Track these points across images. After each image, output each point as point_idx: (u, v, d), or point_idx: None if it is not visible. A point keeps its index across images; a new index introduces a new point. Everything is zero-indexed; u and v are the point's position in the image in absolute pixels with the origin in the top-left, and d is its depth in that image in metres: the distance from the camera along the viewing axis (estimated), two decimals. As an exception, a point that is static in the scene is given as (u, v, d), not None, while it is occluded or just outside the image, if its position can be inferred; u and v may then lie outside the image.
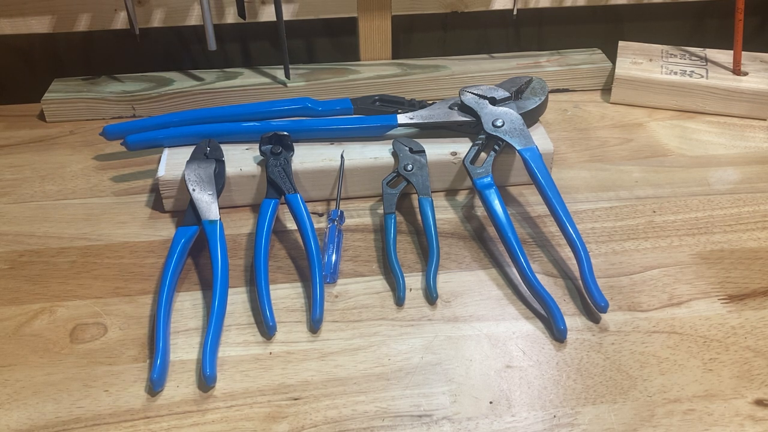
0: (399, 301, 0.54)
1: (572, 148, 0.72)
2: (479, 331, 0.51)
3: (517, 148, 0.61)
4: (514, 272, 0.56)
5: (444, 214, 0.63)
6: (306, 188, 0.64)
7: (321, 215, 0.63)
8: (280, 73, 0.78)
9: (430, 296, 0.54)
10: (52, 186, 0.67)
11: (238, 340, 0.51)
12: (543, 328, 0.51)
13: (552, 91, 0.80)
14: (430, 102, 0.69)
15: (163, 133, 0.66)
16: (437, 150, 0.64)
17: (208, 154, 0.62)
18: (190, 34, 0.86)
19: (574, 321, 0.52)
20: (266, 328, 0.51)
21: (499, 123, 0.63)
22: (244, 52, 0.88)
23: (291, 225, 0.61)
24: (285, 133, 0.62)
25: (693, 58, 0.81)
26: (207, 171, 0.60)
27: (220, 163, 0.62)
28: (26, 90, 0.83)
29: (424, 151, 0.63)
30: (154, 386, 0.47)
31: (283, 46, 0.74)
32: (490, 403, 0.46)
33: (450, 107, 0.67)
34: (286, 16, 0.77)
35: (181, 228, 0.56)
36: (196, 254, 0.58)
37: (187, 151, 0.63)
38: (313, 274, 0.53)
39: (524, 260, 0.54)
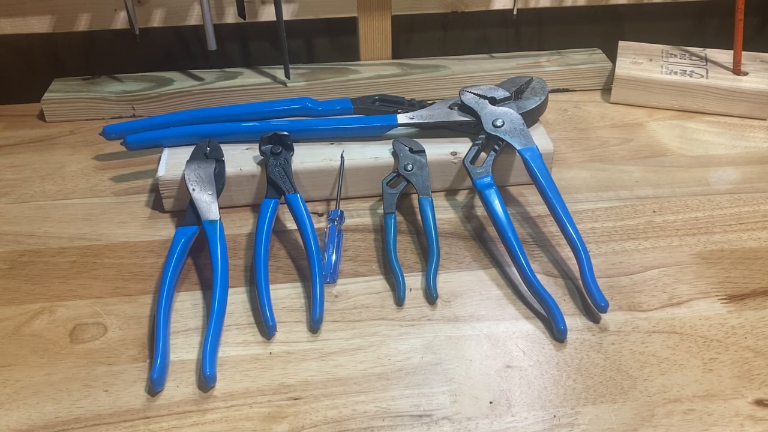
0: (399, 301, 0.54)
1: (572, 148, 0.72)
2: (479, 331, 0.51)
3: (517, 148, 0.61)
4: (514, 272, 0.56)
5: (444, 214, 0.63)
6: (306, 188, 0.64)
7: (321, 215, 0.63)
8: (280, 73, 0.78)
9: (430, 296, 0.54)
10: (52, 186, 0.67)
11: (238, 340, 0.51)
12: (543, 328, 0.51)
13: (552, 91, 0.80)
14: (430, 102, 0.69)
15: (163, 133, 0.66)
16: (437, 150, 0.64)
17: (208, 154, 0.62)
18: (190, 34, 0.85)
19: (574, 321, 0.52)
20: (266, 328, 0.51)
21: (499, 123, 0.63)
22: (244, 52, 0.88)
23: (291, 225, 0.61)
24: (285, 133, 0.62)
25: (693, 58, 0.81)
26: (207, 171, 0.60)
27: (220, 163, 0.62)
28: (26, 90, 0.83)
29: (424, 151, 0.63)
30: (154, 386, 0.47)
31: (283, 46, 0.74)
32: (490, 403, 0.46)
33: (450, 107, 0.67)
34: (286, 16, 0.77)
35: (181, 228, 0.56)
36: (196, 254, 0.58)
37: (187, 151, 0.63)
38: (313, 274, 0.53)
39: (524, 260, 0.54)
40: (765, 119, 0.76)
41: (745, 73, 0.77)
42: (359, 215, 0.63)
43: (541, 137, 0.66)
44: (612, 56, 0.82)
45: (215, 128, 0.66)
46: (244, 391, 0.47)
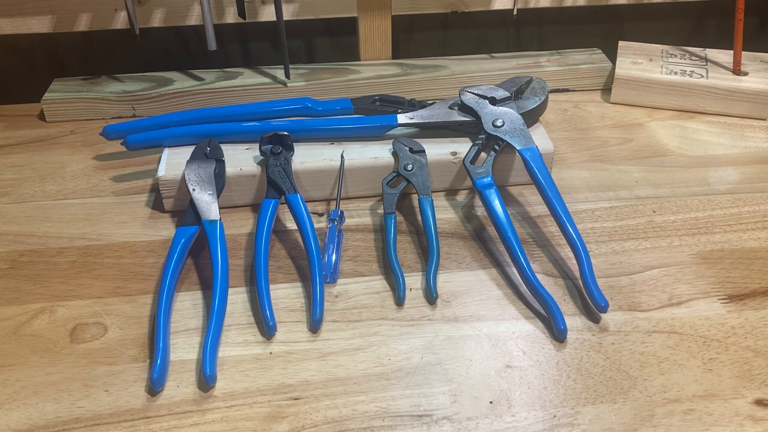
0: (399, 301, 0.54)
1: (572, 148, 0.72)
2: (479, 331, 0.51)
3: (517, 148, 0.61)
4: (514, 272, 0.56)
5: (444, 214, 0.63)
6: (306, 188, 0.64)
7: (321, 215, 0.63)
8: (280, 73, 0.78)
9: (430, 296, 0.54)
10: (52, 186, 0.67)
11: (238, 340, 0.51)
12: (543, 328, 0.51)
13: (552, 91, 0.80)
14: (430, 102, 0.69)
15: (163, 133, 0.66)
16: (437, 150, 0.64)
17: (208, 154, 0.62)
18: (190, 34, 0.86)
19: (574, 321, 0.52)
20: (266, 328, 0.51)
21: (499, 123, 0.63)
22: (244, 52, 0.88)
23: (291, 225, 0.61)
24: (285, 133, 0.62)
25: (693, 58, 0.81)
26: (207, 171, 0.60)
27: (220, 162, 0.62)
28: (26, 90, 0.83)
29: (424, 151, 0.63)
30: (154, 386, 0.47)
31: (283, 46, 0.74)
32: (490, 403, 0.46)
33: (450, 107, 0.67)
34: (286, 16, 0.77)
35: (181, 228, 0.56)
36: (196, 254, 0.58)
37: (187, 151, 0.63)
38: (313, 274, 0.53)
39: (524, 260, 0.54)
40: (765, 119, 0.76)
41: (745, 73, 0.77)
42: (359, 215, 0.63)
43: (541, 137, 0.66)
44: (612, 56, 0.82)
45: (215, 128, 0.66)
46: (244, 391, 0.47)
